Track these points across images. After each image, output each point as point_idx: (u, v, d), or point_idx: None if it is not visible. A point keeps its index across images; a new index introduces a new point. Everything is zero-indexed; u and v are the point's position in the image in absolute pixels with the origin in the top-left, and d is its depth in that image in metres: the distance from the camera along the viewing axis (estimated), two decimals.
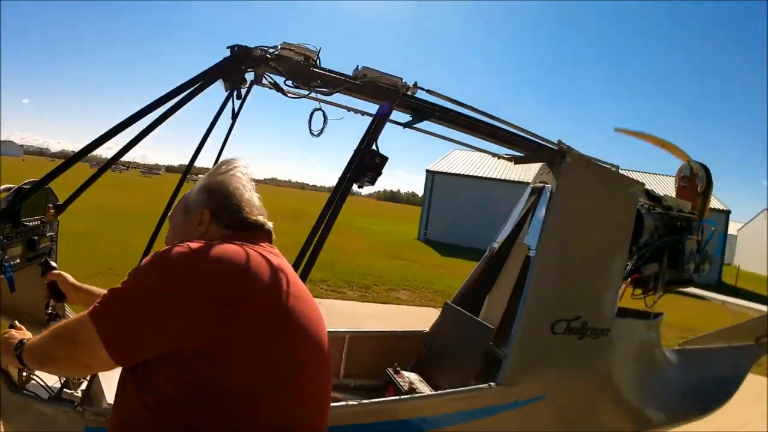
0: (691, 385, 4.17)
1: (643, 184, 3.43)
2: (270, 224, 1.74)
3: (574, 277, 3.08)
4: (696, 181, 4.01)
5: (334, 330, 3.53)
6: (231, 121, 2.71)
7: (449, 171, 31.55)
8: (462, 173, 30.86)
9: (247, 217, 1.67)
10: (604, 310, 3.21)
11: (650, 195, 3.63)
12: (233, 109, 2.65)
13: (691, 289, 7.55)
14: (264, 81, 2.53)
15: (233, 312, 1.35)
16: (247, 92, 2.62)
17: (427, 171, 32.12)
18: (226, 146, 2.83)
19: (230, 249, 1.47)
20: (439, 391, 2.92)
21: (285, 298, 1.48)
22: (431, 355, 3.65)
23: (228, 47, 2.32)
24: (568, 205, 3.05)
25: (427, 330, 3.82)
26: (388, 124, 2.55)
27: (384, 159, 2.37)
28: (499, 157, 3.49)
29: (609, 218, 3.25)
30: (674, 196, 4.05)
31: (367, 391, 3.35)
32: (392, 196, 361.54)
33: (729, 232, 48.24)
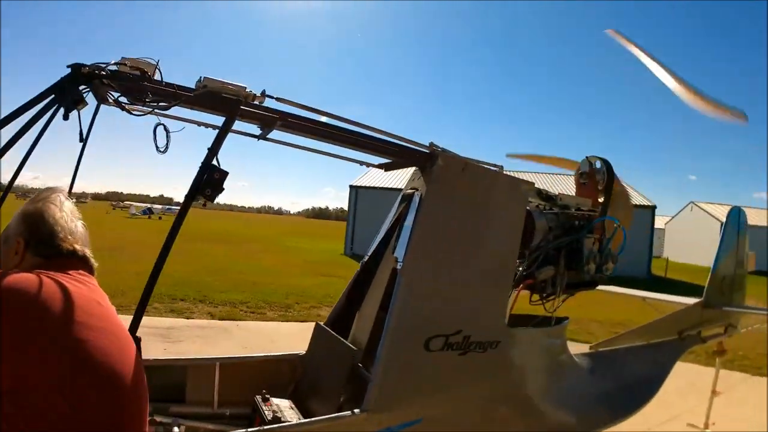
0: (606, 389, 4.05)
1: (533, 184, 3.21)
2: (87, 252, 1.67)
3: (451, 289, 2.85)
4: (596, 177, 3.84)
5: (203, 357, 3.30)
6: (82, 144, 2.39)
7: (372, 185, 32.47)
8: (384, 186, 31.59)
9: (60, 245, 1.61)
10: (490, 321, 3.00)
11: (542, 194, 3.42)
12: (80, 131, 2.33)
13: (613, 288, 7.60)
14: (110, 99, 2.29)
15: (13, 348, 1.27)
16: (95, 113, 2.38)
17: (351, 186, 33.10)
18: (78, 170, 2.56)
19: (21, 280, 1.38)
20: (301, 420, 2.74)
21: (77, 331, 1.38)
22: (304, 379, 3.39)
23: (68, 66, 2.10)
24: (440, 211, 2.82)
25: (302, 352, 3.54)
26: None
27: (224, 174, 2.14)
28: (368, 165, 3.25)
29: (492, 222, 3.04)
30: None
31: (241, 420, 3.09)
32: (321, 213, 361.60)
33: (657, 226, 50.12)
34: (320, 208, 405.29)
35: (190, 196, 2.13)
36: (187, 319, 11.08)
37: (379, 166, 3.29)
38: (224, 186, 2.17)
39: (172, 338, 9.24)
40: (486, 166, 3.12)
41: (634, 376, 4.45)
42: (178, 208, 2.23)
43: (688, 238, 51.42)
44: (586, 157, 3.90)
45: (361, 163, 3.16)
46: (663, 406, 7.14)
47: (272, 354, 3.54)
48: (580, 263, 3.34)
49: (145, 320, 1.96)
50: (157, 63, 2.24)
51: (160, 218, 63.98)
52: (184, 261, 18.09)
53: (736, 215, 6.51)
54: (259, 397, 2.97)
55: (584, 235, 3.40)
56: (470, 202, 2.93)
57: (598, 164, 3.85)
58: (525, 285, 3.33)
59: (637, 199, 34.53)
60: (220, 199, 2.23)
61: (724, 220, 6.44)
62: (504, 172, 3.21)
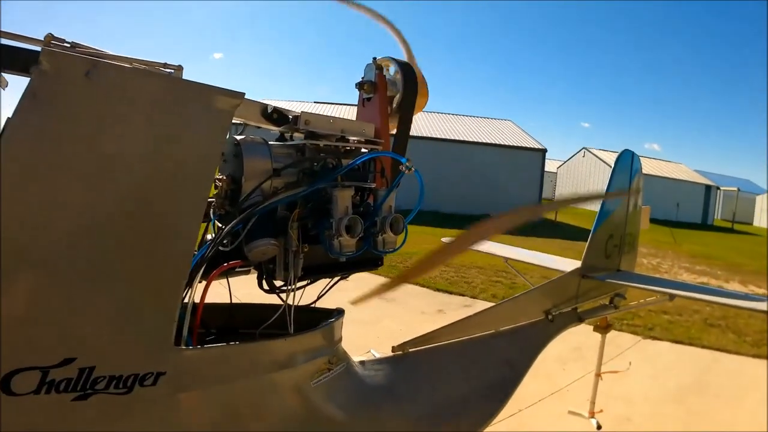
0: (414, 414, 2.64)
1: (243, 95, 1.75)
2: None
3: (56, 288, 1.60)
4: (389, 89, 2.25)
5: None
6: None
7: None
8: None
9: None
10: (139, 338, 1.75)
11: (269, 114, 1.90)
12: None
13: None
14: None
15: None
16: None
17: None
18: None
19: None
20: None
21: None
22: None
23: None
24: (43, 145, 1.51)
25: None
26: None
27: None
28: None
29: (151, 162, 1.70)
30: None
31: None
32: None
33: (550, 170, 51.09)
34: None
35: None
36: None
37: None
38: None
39: None
40: (147, 67, 1.76)
41: (462, 386, 3.05)
42: None
43: (580, 183, 52.67)
44: (374, 60, 2.26)
45: None
46: (539, 378, 6.17)
47: None
48: (322, 233, 1.89)
49: None
50: None
51: None
52: None
53: (628, 159, 5.09)
54: None
55: (334, 184, 1.89)
56: (103, 130, 1.61)
57: (392, 70, 2.27)
58: (224, 269, 1.95)
59: (527, 141, 34.48)
60: None
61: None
62: (184, 78, 1.75)
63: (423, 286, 11.76)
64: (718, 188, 51.47)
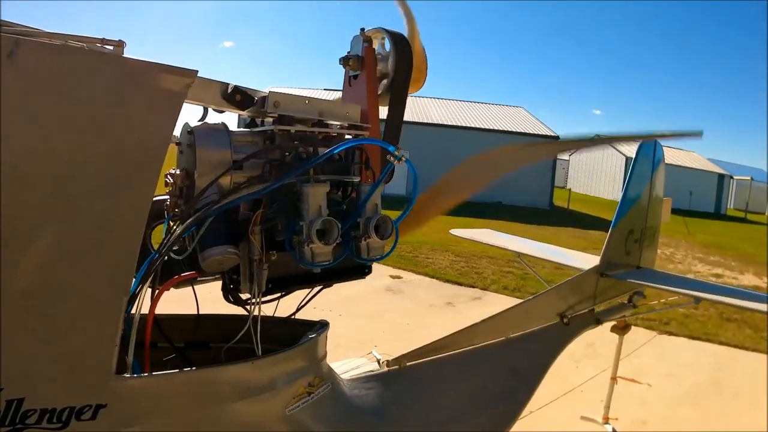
0: None
1: (195, 72, 1.46)
2: None
3: None
4: (379, 65, 1.93)
5: None
6: None
7: None
8: None
9: None
10: (71, 368, 1.49)
11: (231, 95, 1.60)
12: None
13: (485, 236, 5.87)
14: None
15: None
16: None
17: None
18: None
19: None
20: None
21: None
22: None
23: None
24: None
25: None
26: None
27: None
28: None
29: (85, 154, 1.40)
30: None
31: None
32: None
33: (560, 157, 50.54)
34: None
35: None
36: None
37: None
38: None
39: None
40: (84, 44, 1.47)
41: (466, 404, 2.73)
42: None
43: (594, 170, 52.00)
44: (361, 31, 1.93)
45: None
46: (551, 377, 5.79)
47: None
48: (290, 239, 1.56)
49: None
50: None
51: None
52: None
53: (650, 148, 4.72)
54: None
55: (306, 178, 1.57)
56: (28, 118, 1.33)
57: (387, 44, 1.94)
58: (175, 282, 1.67)
59: (540, 129, 33.97)
60: None
61: (627, 154, 4.62)
62: (127, 56, 1.45)
63: (431, 276, 11.48)
64: (731, 177, 50.70)
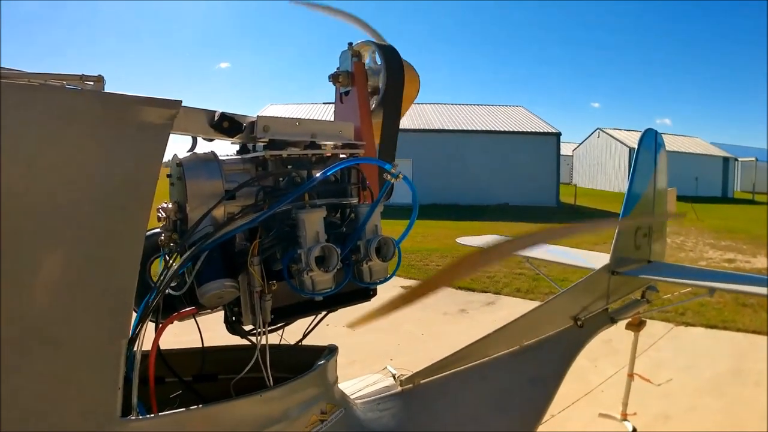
0: None
1: (179, 103, 1.40)
2: None
3: None
4: (369, 79, 1.88)
5: None
6: None
7: None
8: None
9: None
10: (73, 414, 1.41)
11: (217, 123, 1.52)
12: None
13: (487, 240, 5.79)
14: None
15: None
16: None
17: None
18: None
19: None
20: None
21: None
22: None
23: None
24: None
25: None
26: None
27: None
28: None
29: (58, 202, 1.34)
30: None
31: None
32: None
33: (566, 153, 50.38)
34: None
35: None
36: None
37: None
38: None
39: None
40: (63, 82, 1.47)
41: (485, 418, 2.67)
42: None
43: (597, 164, 51.85)
44: (349, 46, 1.91)
45: None
46: (570, 379, 5.68)
47: None
48: (289, 266, 1.49)
49: None
50: None
51: None
52: None
53: (652, 138, 4.66)
54: None
55: (300, 204, 1.52)
56: (8, 161, 1.27)
57: (378, 58, 1.89)
58: (175, 319, 1.63)
59: (541, 126, 33.90)
60: None
61: (631, 144, 4.57)
62: (108, 92, 1.43)
63: None
64: (735, 159, 50.42)
